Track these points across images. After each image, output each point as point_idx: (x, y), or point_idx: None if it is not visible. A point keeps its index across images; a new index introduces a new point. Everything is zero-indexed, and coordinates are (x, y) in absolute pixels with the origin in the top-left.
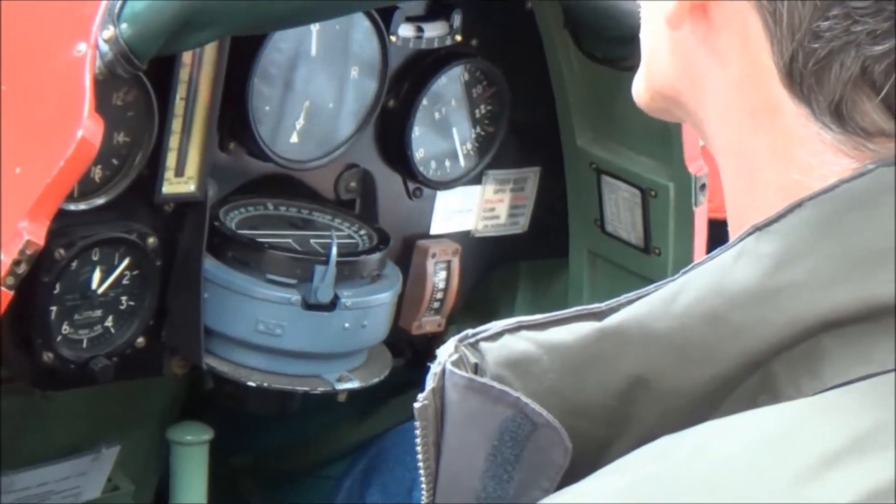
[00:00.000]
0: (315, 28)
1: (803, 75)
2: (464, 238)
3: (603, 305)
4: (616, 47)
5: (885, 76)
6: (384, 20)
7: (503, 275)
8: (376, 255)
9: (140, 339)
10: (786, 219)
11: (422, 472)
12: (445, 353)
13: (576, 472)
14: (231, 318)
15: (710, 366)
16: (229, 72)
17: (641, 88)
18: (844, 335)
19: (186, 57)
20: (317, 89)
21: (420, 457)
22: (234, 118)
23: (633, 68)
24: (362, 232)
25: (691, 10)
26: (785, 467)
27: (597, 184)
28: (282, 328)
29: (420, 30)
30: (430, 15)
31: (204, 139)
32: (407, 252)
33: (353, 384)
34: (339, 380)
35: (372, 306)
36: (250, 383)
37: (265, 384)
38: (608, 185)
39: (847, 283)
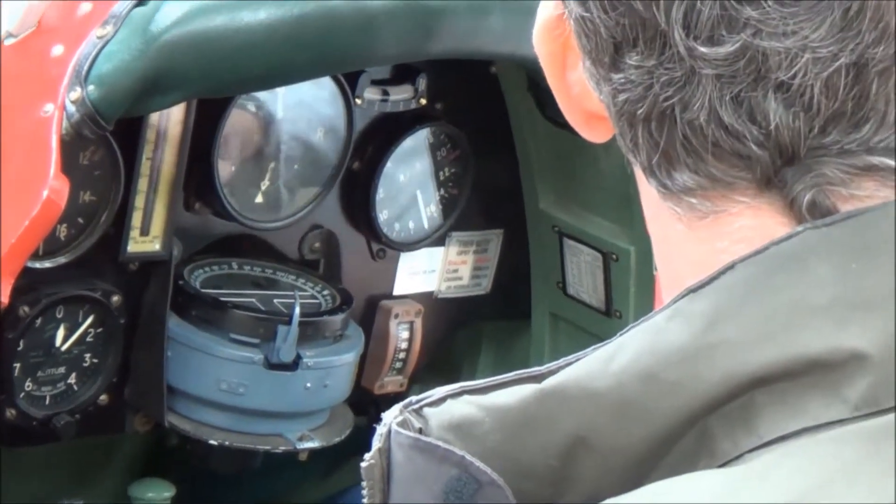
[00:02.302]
0: (281, 90)
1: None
2: (427, 299)
3: (542, 368)
4: None
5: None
6: (350, 83)
7: (466, 335)
8: (339, 316)
9: (103, 397)
10: (718, 280)
11: None
12: (391, 415)
13: None
14: (194, 376)
15: (646, 424)
16: (195, 132)
17: None
18: (776, 391)
19: (153, 117)
20: (282, 151)
21: None
22: (199, 178)
23: None
24: (325, 292)
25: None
26: None
27: (559, 247)
28: (244, 387)
29: (385, 93)
30: (396, 78)
31: (170, 199)
32: (370, 312)
33: (315, 443)
34: (301, 439)
35: (334, 366)
36: (212, 442)
37: (227, 443)
38: (570, 248)
39: (777, 340)
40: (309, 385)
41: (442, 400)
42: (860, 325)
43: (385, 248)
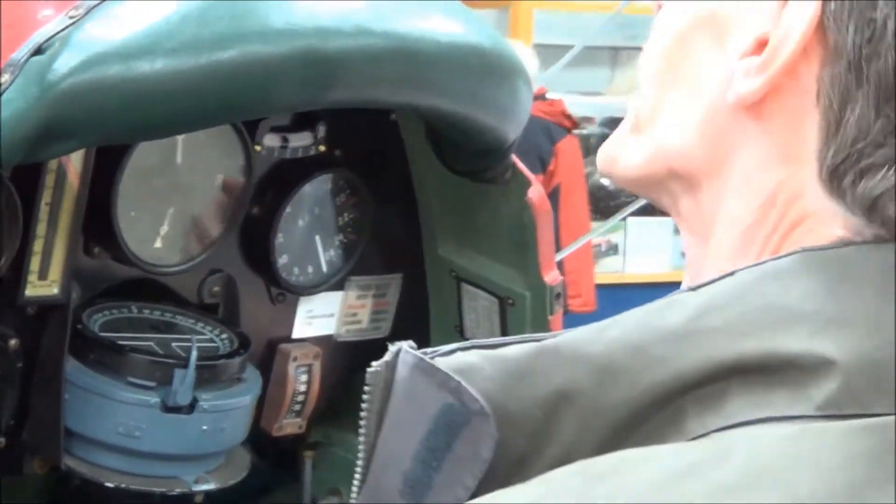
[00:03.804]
0: (180, 136)
1: (846, 178)
2: (326, 342)
3: (547, 334)
4: (475, 160)
5: None
6: (249, 130)
7: (365, 378)
8: (236, 359)
9: (1, 439)
10: (717, 283)
11: (361, 439)
12: (406, 343)
13: (491, 483)
14: (91, 419)
15: (628, 390)
16: (95, 177)
17: (639, 162)
18: (750, 382)
19: (52, 163)
20: (181, 196)
21: (362, 423)
22: (98, 223)
23: (493, 180)
24: (224, 336)
25: (763, 95)
26: (688, 496)
27: (457, 291)
28: (141, 430)
29: (285, 140)
30: (296, 125)
31: (68, 243)
32: (269, 355)
33: (210, 485)
34: (197, 481)
35: (231, 409)
36: (108, 484)
37: (123, 485)
38: (468, 293)
39: (757, 336)
40: (205, 428)
41: (452, 351)
42: (835, 337)
43: (284, 292)
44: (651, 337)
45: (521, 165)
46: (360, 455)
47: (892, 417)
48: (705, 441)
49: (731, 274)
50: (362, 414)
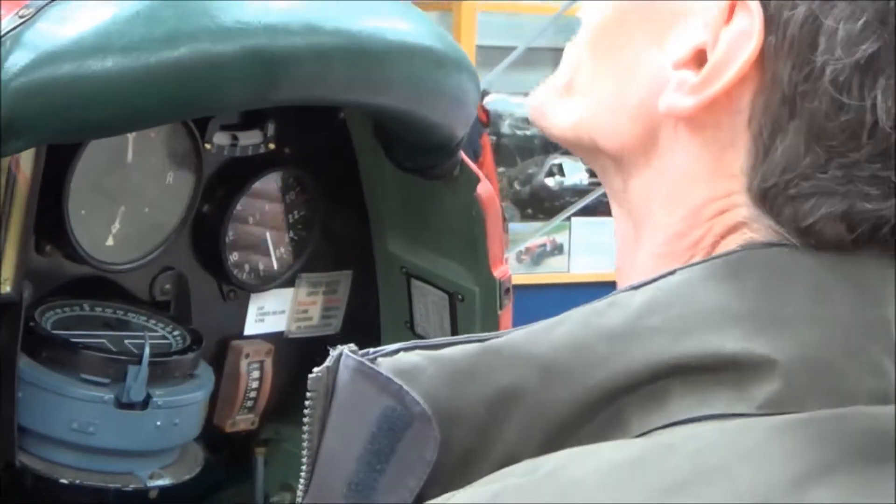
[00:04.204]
0: (131, 135)
1: (777, 200)
2: (277, 339)
3: (491, 334)
4: (424, 157)
5: (865, 220)
6: (199, 128)
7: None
8: (189, 356)
9: None
10: (657, 281)
11: (305, 444)
12: (347, 347)
13: (436, 485)
14: (45, 416)
15: (572, 389)
16: (46, 176)
17: (567, 126)
18: (692, 381)
19: (3, 161)
20: (132, 194)
21: (305, 429)
22: (50, 221)
23: (441, 177)
24: (176, 333)
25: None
26: (631, 492)
27: (407, 287)
28: (95, 426)
29: (235, 138)
30: (245, 124)
31: (20, 242)
32: (221, 352)
33: (165, 481)
34: (151, 477)
35: (184, 405)
36: (63, 480)
37: (77, 481)
38: (418, 288)
39: (697, 336)
40: (159, 423)
41: (396, 352)
42: (775, 337)
43: (235, 289)
44: (594, 336)
45: (469, 162)
46: (305, 459)
47: (830, 410)
48: (648, 438)
49: (672, 273)
50: (305, 420)
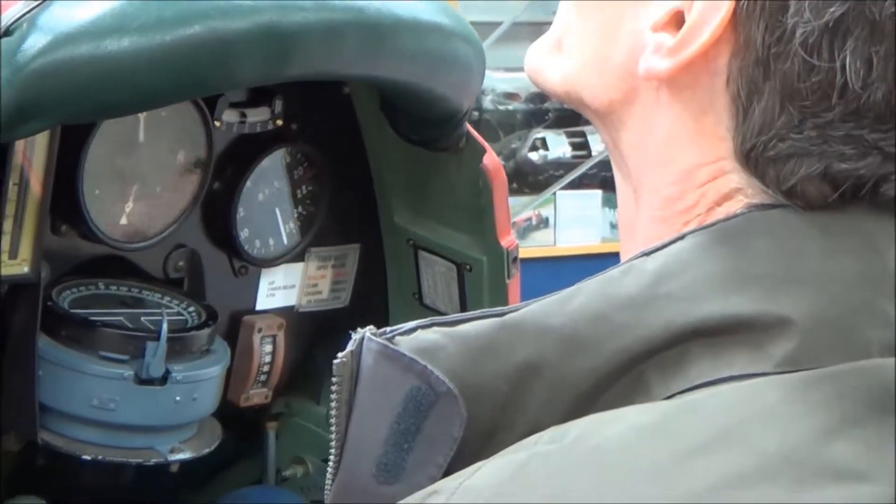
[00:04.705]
0: (143, 115)
1: (759, 161)
2: (288, 313)
3: (506, 308)
4: (431, 129)
5: (846, 179)
6: (209, 106)
7: (328, 347)
8: (205, 331)
9: None
10: (669, 247)
11: (333, 428)
12: (368, 330)
13: (463, 459)
14: (65, 394)
15: (592, 359)
16: (60, 157)
17: (556, 82)
18: (710, 344)
19: (18, 143)
20: (145, 173)
21: (333, 413)
22: (65, 202)
23: (447, 149)
24: (191, 309)
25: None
26: (657, 454)
27: (414, 259)
28: (115, 403)
29: (243, 115)
30: (253, 101)
31: (37, 223)
32: (234, 327)
33: (186, 455)
34: (172, 451)
35: (202, 380)
36: (85, 457)
37: (99, 457)
38: (425, 260)
39: (714, 299)
40: (178, 399)
41: (413, 330)
42: (789, 296)
43: (246, 264)
44: (611, 305)
45: (475, 133)
46: (333, 444)
47: (846, 365)
48: (670, 401)
49: (682, 237)
50: (332, 404)
